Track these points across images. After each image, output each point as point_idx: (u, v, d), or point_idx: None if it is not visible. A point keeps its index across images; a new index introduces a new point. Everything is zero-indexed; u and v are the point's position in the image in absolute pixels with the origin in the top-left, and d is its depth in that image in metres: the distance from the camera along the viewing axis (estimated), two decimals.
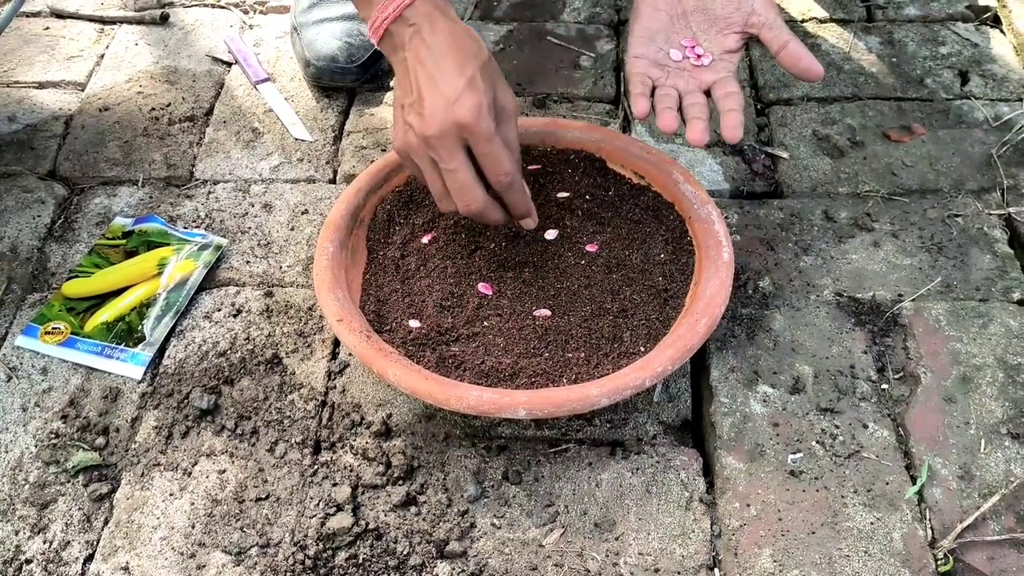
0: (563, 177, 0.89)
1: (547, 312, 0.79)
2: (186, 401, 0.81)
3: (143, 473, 0.76)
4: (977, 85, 1.07)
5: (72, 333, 0.86)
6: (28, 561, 0.71)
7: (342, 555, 0.70)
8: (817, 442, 0.75)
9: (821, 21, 1.17)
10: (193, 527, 0.73)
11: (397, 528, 0.72)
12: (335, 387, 0.82)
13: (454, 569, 0.70)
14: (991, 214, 0.93)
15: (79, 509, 0.75)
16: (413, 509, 0.73)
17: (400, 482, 0.75)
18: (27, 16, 1.23)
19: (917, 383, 0.79)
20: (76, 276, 0.90)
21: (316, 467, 0.76)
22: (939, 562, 0.69)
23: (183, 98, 1.10)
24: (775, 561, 0.69)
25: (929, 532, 0.70)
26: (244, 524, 0.73)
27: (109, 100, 1.10)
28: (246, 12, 1.23)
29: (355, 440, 0.78)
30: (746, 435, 0.76)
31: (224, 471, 0.76)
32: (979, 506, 0.71)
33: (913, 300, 0.85)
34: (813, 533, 0.70)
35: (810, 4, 1.19)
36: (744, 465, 0.74)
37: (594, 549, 0.71)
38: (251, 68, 1.12)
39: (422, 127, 0.70)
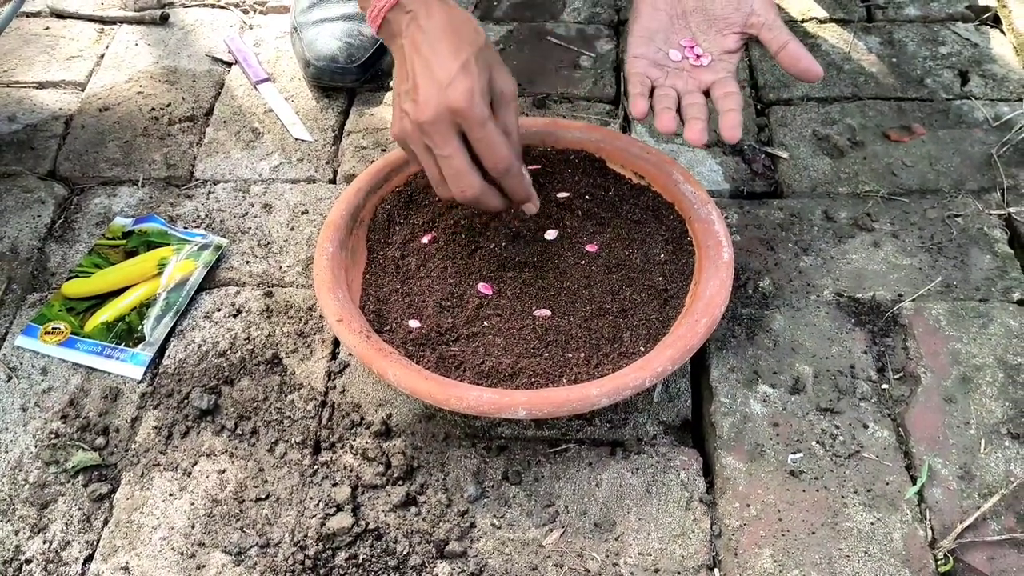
0: (563, 177, 0.89)
1: (547, 312, 0.79)
2: (186, 401, 0.81)
3: (143, 473, 0.76)
4: (977, 85, 1.07)
5: (72, 333, 0.86)
6: (28, 561, 0.71)
7: (342, 555, 0.70)
8: (817, 442, 0.75)
9: (821, 21, 1.17)
10: (193, 527, 0.73)
11: (397, 528, 0.72)
12: (335, 387, 0.82)
13: (454, 569, 0.70)
14: (991, 214, 0.93)
15: (79, 509, 0.75)
16: (413, 509, 0.73)
17: (400, 482, 0.75)
18: (27, 16, 1.23)
19: (917, 383, 0.79)
20: (76, 276, 0.90)
21: (316, 467, 0.76)
22: (939, 562, 0.69)
23: (183, 98, 1.10)
24: (775, 561, 0.69)
25: (929, 532, 0.70)
26: (244, 524, 0.73)
27: (109, 100, 1.10)
28: (246, 12, 1.23)
29: (355, 440, 0.78)
30: (746, 435, 0.76)
31: (224, 471, 0.76)
32: (979, 506, 0.71)
33: (913, 300, 0.85)
34: (813, 533, 0.70)
35: (810, 4, 1.19)
36: (744, 465, 0.74)
37: (594, 549, 0.71)
38: (251, 68, 1.12)
39: (416, 113, 0.70)
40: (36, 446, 0.78)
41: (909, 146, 1.00)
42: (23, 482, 0.76)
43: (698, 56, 0.81)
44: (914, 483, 0.73)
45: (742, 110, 0.77)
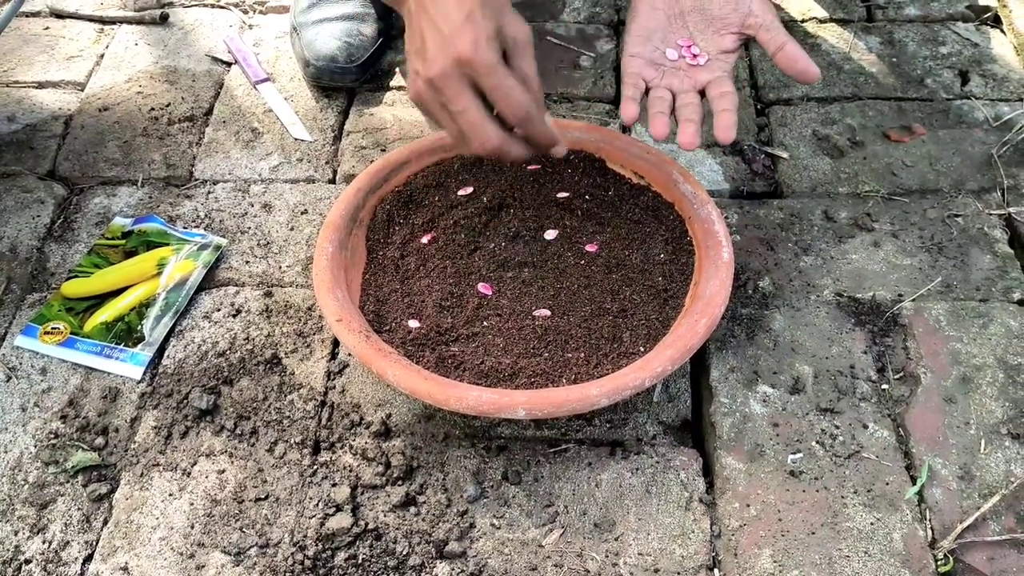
0: (563, 177, 0.89)
1: (547, 312, 0.79)
2: (185, 401, 0.81)
3: (142, 473, 0.76)
4: (977, 85, 1.07)
5: (71, 333, 0.86)
6: (27, 561, 0.71)
7: (341, 555, 0.70)
8: (817, 442, 0.75)
9: (821, 21, 1.17)
10: (192, 527, 0.73)
11: (396, 528, 0.72)
12: (334, 387, 0.82)
13: (453, 569, 0.70)
14: (991, 214, 0.93)
15: (78, 509, 0.74)
16: (412, 509, 0.73)
17: (399, 482, 0.75)
18: (27, 16, 1.23)
19: (917, 383, 0.79)
20: (75, 276, 0.90)
21: (315, 467, 0.76)
22: (939, 562, 0.69)
23: (183, 98, 1.10)
24: (775, 561, 0.69)
25: (929, 532, 0.70)
26: (243, 524, 0.73)
27: (109, 100, 1.10)
28: (246, 12, 1.23)
29: (354, 440, 0.78)
30: (746, 435, 0.76)
31: (223, 471, 0.76)
32: (979, 506, 0.71)
33: (913, 300, 0.85)
34: (813, 533, 0.70)
35: (810, 4, 1.19)
36: (744, 465, 0.74)
37: (594, 549, 0.71)
38: (251, 68, 1.12)
39: (425, 70, 0.69)
40: (36, 446, 0.78)
41: (909, 146, 1.00)
42: (23, 482, 0.76)
43: (695, 55, 0.81)
44: (914, 483, 0.73)
45: (737, 110, 0.77)
